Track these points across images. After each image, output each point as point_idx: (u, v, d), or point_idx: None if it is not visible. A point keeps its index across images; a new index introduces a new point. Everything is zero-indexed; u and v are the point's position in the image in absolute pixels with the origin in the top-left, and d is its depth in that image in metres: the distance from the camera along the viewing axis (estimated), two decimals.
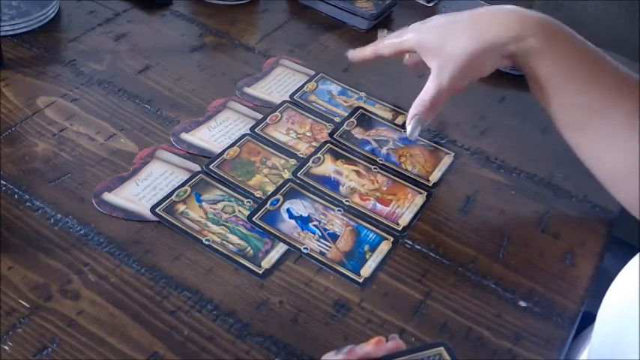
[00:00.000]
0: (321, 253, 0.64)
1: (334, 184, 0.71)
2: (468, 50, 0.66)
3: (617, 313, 0.54)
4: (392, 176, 0.73)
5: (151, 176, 0.69)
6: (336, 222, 0.67)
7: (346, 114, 0.80)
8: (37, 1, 0.85)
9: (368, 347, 0.49)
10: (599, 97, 0.63)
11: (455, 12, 0.70)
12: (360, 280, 0.63)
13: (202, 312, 0.58)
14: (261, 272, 0.62)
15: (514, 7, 0.66)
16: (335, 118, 0.79)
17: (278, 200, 0.68)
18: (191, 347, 0.56)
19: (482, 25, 0.66)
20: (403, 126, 0.79)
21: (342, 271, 0.63)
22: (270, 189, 0.69)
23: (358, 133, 0.77)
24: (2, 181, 0.66)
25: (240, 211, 0.67)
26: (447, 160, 0.76)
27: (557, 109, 0.66)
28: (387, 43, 0.74)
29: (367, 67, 0.87)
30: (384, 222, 0.68)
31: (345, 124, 0.78)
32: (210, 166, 0.70)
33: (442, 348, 0.48)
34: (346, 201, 0.69)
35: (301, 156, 0.73)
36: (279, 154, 0.73)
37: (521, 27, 0.64)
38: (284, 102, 0.80)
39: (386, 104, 0.82)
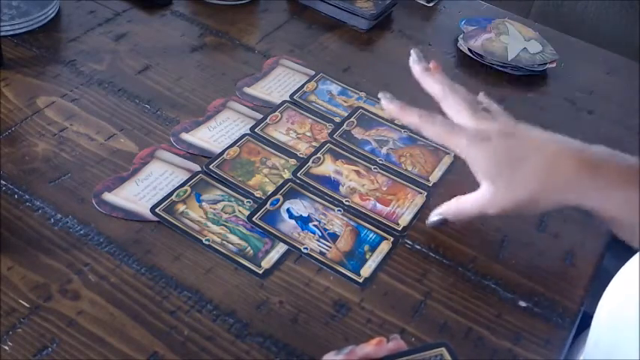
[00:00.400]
0: (321, 253, 0.64)
1: (334, 184, 0.71)
2: (526, 199, 0.61)
3: (614, 313, 0.54)
4: (392, 176, 0.73)
5: (151, 176, 0.69)
6: (336, 222, 0.67)
7: (346, 114, 0.80)
8: (37, 1, 0.85)
9: (369, 348, 0.49)
10: None
11: (516, 130, 0.63)
12: (360, 280, 0.63)
13: (202, 312, 0.58)
14: (261, 272, 0.62)
15: (582, 151, 0.61)
16: (335, 118, 0.79)
17: (278, 200, 0.68)
18: (191, 347, 0.56)
19: (552, 176, 0.60)
20: (403, 126, 0.79)
21: (342, 271, 0.63)
22: (270, 189, 0.69)
23: (358, 133, 0.77)
24: (2, 181, 0.66)
25: (240, 211, 0.67)
26: (447, 160, 0.76)
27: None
28: (435, 128, 0.64)
29: (367, 67, 0.87)
30: (384, 222, 0.68)
31: (345, 124, 0.78)
32: (210, 166, 0.70)
33: (443, 348, 0.47)
34: (346, 201, 0.69)
35: (301, 156, 0.73)
36: (279, 154, 0.73)
37: (591, 184, 0.60)
38: (284, 102, 0.80)
39: None
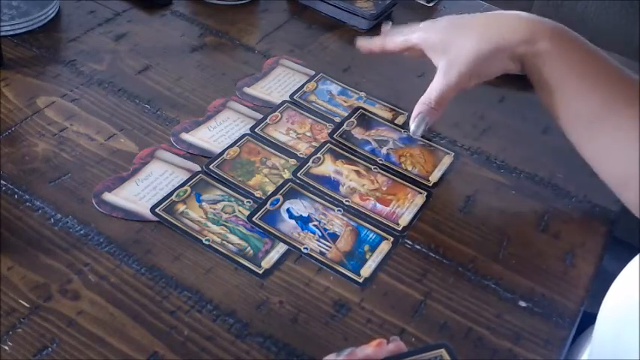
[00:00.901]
0: (321, 253, 0.64)
1: (334, 184, 0.71)
2: (477, 49, 0.66)
3: (617, 313, 0.54)
4: (392, 176, 0.73)
5: (151, 176, 0.69)
6: (336, 222, 0.67)
7: (346, 114, 0.80)
8: (37, 1, 0.85)
9: (369, 349, 0.49)
10: (605, 102, 0.64)
11: (464, 14, 0.71)
12: (360, 280, 0.63)
13: (202, 312, 0.58)
14: (261, 272, 0.62)
15: (525, 13, 0.67)
16: (335, 118, 0.79)
17: (278, 200, 0.68)
18: (191, 347, 0.56)
19: (493, 27, 0.67)
20: (403, 126, 0.79)
21: (342, 271, 0.63)
22: (270, 189, 0.69)
23: (358, 133, 0.77)
24: (2, 181, 0.66)
25: (240, 211, 0.67)
26: (446, 160, 0.76)
27: (564, 112, 0.66)
28: (395, 38, 0.74)
29: (367, 67, 0.87)
30: (384, 222, 0.68)
31: (345, 124, 0.78)
32: (210, 166, 0.70)
33: (443, 349, 0.48)
34: (346, 201, 0.69)
35: (301, 156, 0.73)
36: (279, 154, 0.73)
37: (532, 31, 0.65)
38: (284, 102, 0.80)
39: (386, 104, 0.82)
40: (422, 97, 0.71)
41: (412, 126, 0.71)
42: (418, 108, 0.71)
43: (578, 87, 0.65)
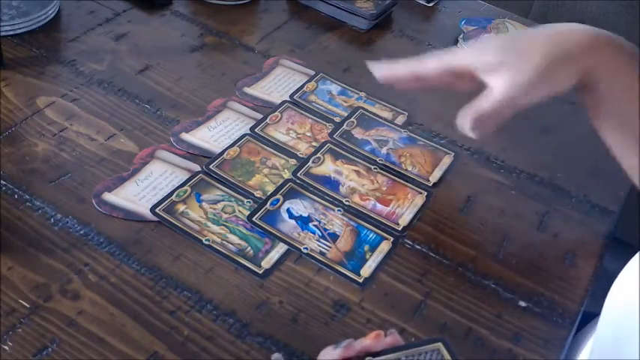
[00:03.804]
0: (321, 253, 0.64)
1: (334, 184, 0.71)
2: (542, 63, 0.59)
3: (619, 313, 0.54)
4: (392, 176, 0.73)
5: (151, 176, 0.69)
6: (336, 222, 0.67)
7: (346, 114, 0.80)
8: (37, 1, 0.85)
9: (366, 341, 0.49)
10: None
11: (513, 34, 0.64)
12: (360, 280, 0.63)
13: (202, 312, 0.58)
14: (261, 272, 0.62)
15: (577, 24, 0.61)
16: (335, 118, 0.79)
17: (278, 200, 0.68)
18: (191, 347, 0.56)
19: (555, 42, 0.60)
20: (403, 126, 0.79)
21: (342, 271, 0.63)
22: (270, 189, 0.69)
23: (358, 133, 0.77)
24: (2, 181, 0.66)
25: (240, 211, 0.67)
26: (447, 160, 0.76)
27: (629, 124, 0.60)
28: (434, 61, 0.63)
29: (367, 67, 0.87)
30: (384, 222, 0.68)
31: (345, 124, 0.78)
32: (210, 166, 0.70)
33: (440, 343, 0.48)
34: (346, 201, 0.69)
35: (301, 156, 0.73)
36: (279, 154, 0.73)
37: (595, 41, 0.59)
38: (284, 102, 0.80)
39: (386, 104, 0.82)
40: (473, 108, 0.61)
41: (468, 129, 0.62)
42: (469, 121, 0.61)
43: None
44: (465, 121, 0.61)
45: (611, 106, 0.61)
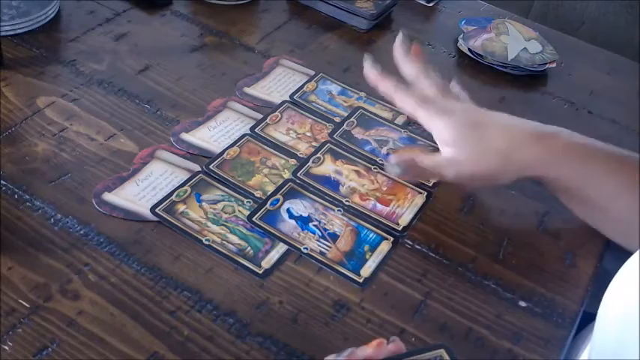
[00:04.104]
0: (321, 253, 0.64)
1: (334, 184, 0.71)
2: (488, 165, 0.65)
3: (617, 312, 0.54)
4: (392, 176, 0.73)
5: (151, 176, 0.69)
6: (336, 222, 0.67)
7: (346, 114, 0.80)
8: (37, 1, 0.85)
9: (369, 350, 0.48)
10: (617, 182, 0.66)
11: (480, 110, 0.68)
12: (360, 280, 0.63)
13: (202, 312, 0.58)
14: (261, 272, 0.62)
15: (539, 127, 0.66)
16: (335, 118, 0.79)
17: (278, 200, 0.68)
18: (191, 347, 0.56)
19: (508, 147, 0.65)
20: (403, 126, 0.79)
21: (342, 271, 0.63)
22: (270, 189, 0.69)
23: (358, 133, 0.77)
24: (2, 181, 0.66)
25: (240, 211, 0.67)
26: None
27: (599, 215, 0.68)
28: (406, 100, 0.68)
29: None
30: (384, 222, 0.68)
31: (345, 124, 0.78)
32: (210, 166, 0.70)
33: (442, 350, 0.48)
34: (346, 201, 0.69)
35: (301, 156, 0.73)
36: (279, 154, 0.73)
37: (550, 156, 0.65)
38: (284, 102, 0.80)
39: (386, 104, 0.82)
40: (415, 153, 0.69)
41: (388, 166, 0.69)
42: (403, 158, 0.68)
43: (603, 193, 0.66)
44: (397, 156, 0.68)
45: (563, 192, 0.68)
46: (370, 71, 0.71)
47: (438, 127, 0.66)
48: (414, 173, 0.70)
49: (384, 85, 0.70)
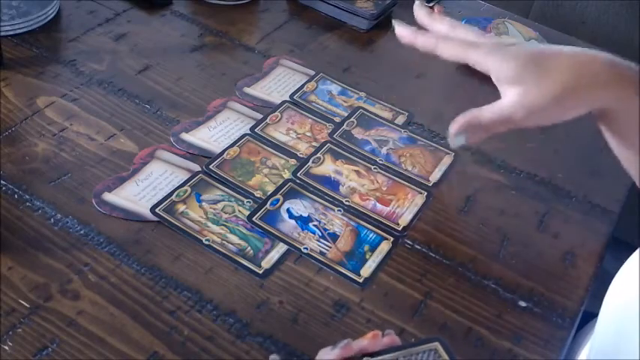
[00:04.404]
0: (321, 253, 0.64)
1: (334, 184, 0.71)
2: (559, 92, 0.58)
3: (617, 312, 0.54)
4: (392, 176, 0.73)
5: (151, 176, 0.69)
6: (336, 222, 0.67)
7: (346, 114, 0.80)
8: (37, 1, 0.85)
9: (364, 342, 0.49)
10: None
11: (541, 45, 0.61)
12: (360, 280, 0.63)
13: (202, 312, 0.58)
14: (261, 272, 0.62)
15: (608, 56, 0.59)
16: (335, 118, 0.79)
17: (278, 200, 0.68)
18: (191, 347, 0.56)
19: (576, 74, 0.58)
20: (403, 126, 0.79)
21: (342, 271, 0.63)
22: (270, 189, 0.69)
23: (358, 133, 0.77)
24: (2, 181, 0.66)
25: (240, 211, 0.67)
26: (447, 160, 0.76)
27: None
28: (452, 45, 0.62)
29: (367, 67, 0.87)
30: (384, 222, 0.68)
31: (345, 124, 0.78)
32: (210, 166, 0.70)
33: (437, 343, 0.48)
34: (346, 201, 0.69)
35: (301, 156, 0.73)
36: (279, 154, 0.73)
37: (618, 82, 0.58)
38: (284, 102, 0.80)
39: (386, 104, 0.82)
40: (474, 111, 0.62)
41: (453, 140, 0.63)
42: (463, 122, 0.62)
43: None
44: (456, 124, 0.61)
45: (625, 135, 0.60)
46: (403, 30, 0.65)
47: (495, 63, 0.60)
48: (482, 133, 0.62)
49: (423, 40, 0.63)
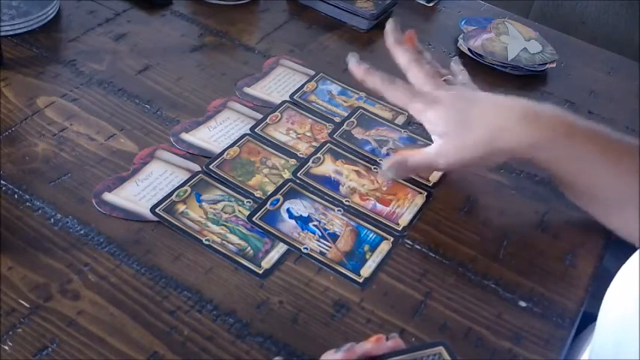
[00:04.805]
0: (321, 253, 0.64)
1: (334, 184, 0.71)
2: (479, 152, 0.66)
3: (618, 312, 0.54)
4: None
5: (151, 176, 0.69)
6: (336, 222, 0.67)
7: (346, 114, 0.80)
8: (37, 1, 0.85)
9: (368, 345, 0.49)
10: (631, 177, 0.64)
11: (471, 94, 0.69)
12: (360, 280, 0.63)
13: (202, 312, 0.58)
14: (261, 272, 0.62)
15: (528, 105, 0.66)
16: (335, 118, 0.79)
17: (278, 200, 0.68)
18: (191, 347, 0.56)
19: (497, 130, 0.65)
20: (403, 126, 0.79)
21: (342, 271, 0.63)
22: (270, 189, 0.69)
23: (358, 133, 0.77)
24: (2, 181, 0.66)
25: (240, 211, 0.67)
26: None
27: (589, 195, 0.69)
28: (397, 92, 0.68)
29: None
30: (384, 222, 0.68)
31: (345, 124, 0.78)
32: (210, 166, 0.70)
33: (442, 347, 0.48)
34: (346, 201, 0.69)
35: (301, 156, 0.73)
36: (279, 154, 0.73)
37: (538, 137, 0.64)
38: (284, 102, 0.80)
39: (386, 104, 0.82)
40: (404, 154, 0.70)
41: (383, 172, 0.71)
42: (394, 162, 0.69)
43: (593, 177, 0.66)
44: (388, 162, 0.69)
45: (557, 175, 0.69)
46: (356, 68, 0.71)
47: (428, 119, 0.68)
48: (407, 172, 0.71)
49: (372, 81, 0.70)
